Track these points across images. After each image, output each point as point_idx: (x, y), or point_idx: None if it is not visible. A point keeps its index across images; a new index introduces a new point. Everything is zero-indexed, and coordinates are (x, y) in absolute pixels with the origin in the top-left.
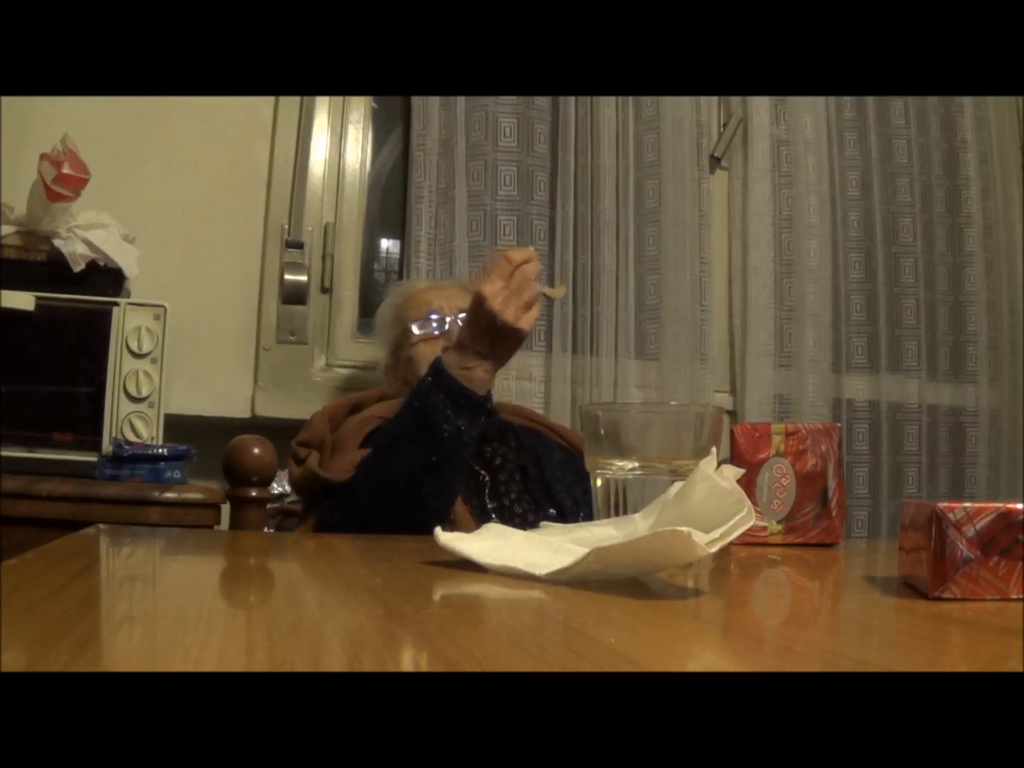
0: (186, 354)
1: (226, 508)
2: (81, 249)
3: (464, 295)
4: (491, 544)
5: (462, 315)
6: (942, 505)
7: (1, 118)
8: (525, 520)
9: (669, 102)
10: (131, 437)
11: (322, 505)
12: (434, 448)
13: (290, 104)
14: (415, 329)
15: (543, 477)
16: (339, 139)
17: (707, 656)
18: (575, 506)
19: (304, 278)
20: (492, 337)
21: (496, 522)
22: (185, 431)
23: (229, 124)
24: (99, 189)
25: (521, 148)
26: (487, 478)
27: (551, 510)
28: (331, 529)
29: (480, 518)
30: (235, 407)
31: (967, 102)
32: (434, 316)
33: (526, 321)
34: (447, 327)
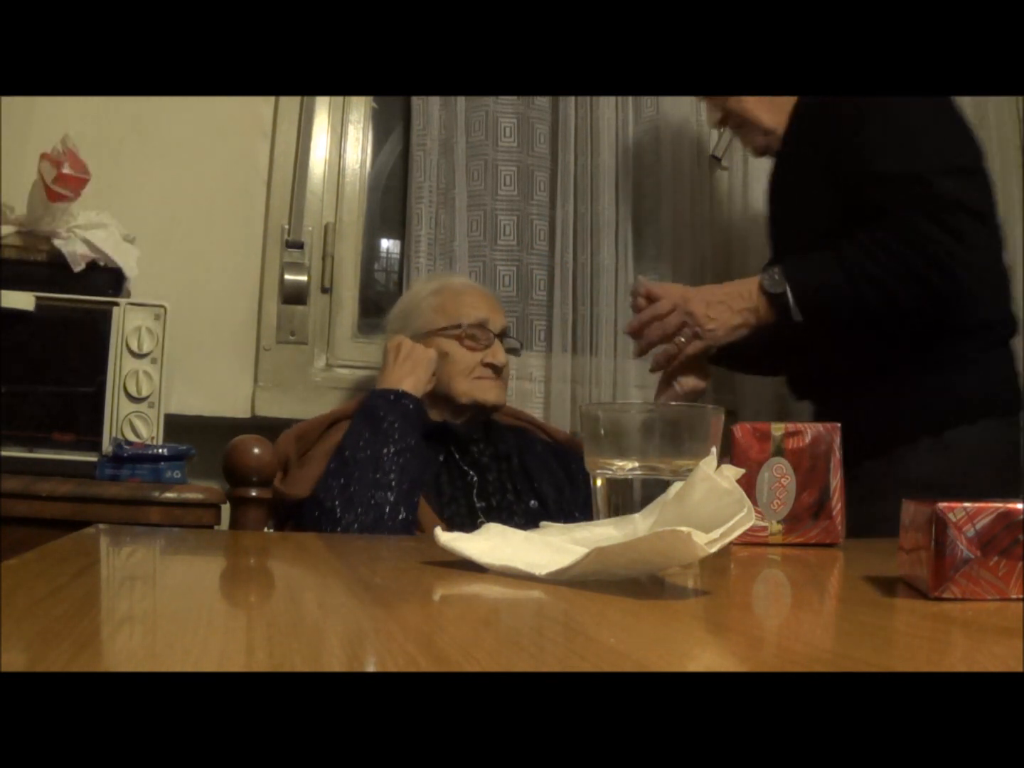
0: (186, 354)
1: (226, 508)
2: (81, 249)
3: (500, 310)
4: (491, 544)
5: (503, 336)
6: (942, 505)
7: (1, 118)
8: (512, 513)
9: (669, 102)
10: (131, 437)
11: (285, 524)
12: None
13: (290, 104)
14: (469, 323)
15: (525, 467)
16: (339, 139)
17: (707, 656)
18: (558, 494)
19: (304, 278)
20: None
21: (484, 521)
22: (185, 431)
23: (229, 124)
24: (99, 189)
25: (521, 148)
26: (475, 478)
27: (532, 502)
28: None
29: (470, 517)
30: (235, 407)
31: (967, 102)
32: (486, 328)
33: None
34: (491, 343)
